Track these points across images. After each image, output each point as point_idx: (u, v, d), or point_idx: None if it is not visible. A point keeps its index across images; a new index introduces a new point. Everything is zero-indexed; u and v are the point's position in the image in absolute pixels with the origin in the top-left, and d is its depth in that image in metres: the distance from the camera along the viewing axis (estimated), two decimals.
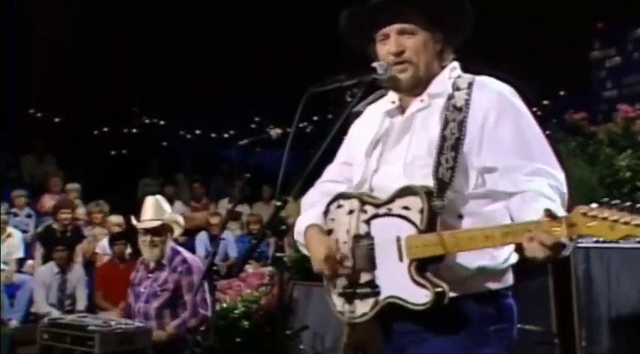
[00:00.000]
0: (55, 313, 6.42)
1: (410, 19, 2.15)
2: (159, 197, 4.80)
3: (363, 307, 2.12)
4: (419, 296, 1.98)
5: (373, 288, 2.09)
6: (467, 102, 2.08)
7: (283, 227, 2.10)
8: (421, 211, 1.99)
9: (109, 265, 7.16)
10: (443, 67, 2.20)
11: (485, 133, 2.05)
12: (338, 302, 2.19)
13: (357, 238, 2.12)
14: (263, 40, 11.76)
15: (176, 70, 12.40)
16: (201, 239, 9.00)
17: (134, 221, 4.75)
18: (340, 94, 2.26)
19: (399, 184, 2.09)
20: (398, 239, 2.03)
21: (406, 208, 2.02)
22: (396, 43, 2.16)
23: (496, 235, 1.87)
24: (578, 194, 4.31)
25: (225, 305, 4.88)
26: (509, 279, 2.15)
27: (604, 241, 3.70)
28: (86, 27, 12.30)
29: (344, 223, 2.16)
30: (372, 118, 2.31)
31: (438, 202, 1.99)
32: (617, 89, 9.20)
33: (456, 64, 2.22)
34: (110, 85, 12.27)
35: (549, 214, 1.75)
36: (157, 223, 4.58)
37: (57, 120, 12.06)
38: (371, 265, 2.09)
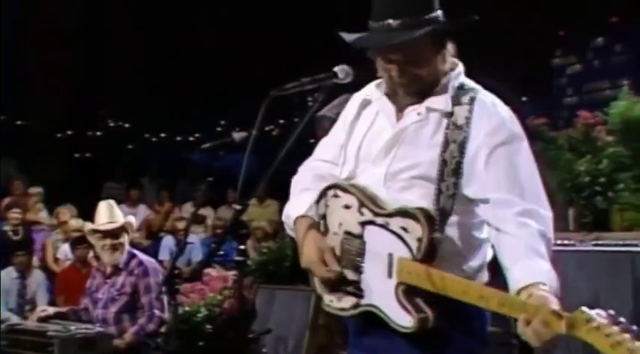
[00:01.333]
0: (14, 319, 6.31)
1: (417, 50, 2.05)
2: (111, 201, 4.76)
3: (343, 303, 2.12)
4: (402, 319, 1.97)
5: (357, 289, 2.08)
6: (468, 120, 2.01)
7: (244, 231, 2.10)
8: (419, 240, 1.95)
9: (70, 269, 7.07)
10: (446, 70, 2.11)
11: (479, 162, 1.99)
12: (319, 288, 2.18)
13: (349, 235, 2.10)
14: (229, 43, 11.74)
15: (142, 72, 12.32)
16: (167, 244, 8.93)
17: (90, 225, 4.70)
18: (304, 98, 2.27)
19: (378, 192, 2.08)
20: (390, 256, 2.00)
21: (404, 229, 1.98)
22: (400, 73, 2.06)
23: (491, 302, 1.84)
24: None
25: (187, 309, 4.85)
26: (483, 278, 2.14)
27: (562, 244, 3.78)
28: (51, 27, 12.15)
29: (337, 215, 2.13)
30: (366, 110, 2.23)
31: (439, 234, 1.96)
32: (578, 96, 9.36)
33: (459, 70, 2.13)
34: (74, 88, 12.13)
35: (555, 313, 1.73)
36: (115, 225, 4.54)
37: (19, 123, 11.87)
38: (357, 268, 2.08)
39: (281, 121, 10.36)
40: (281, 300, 4.83)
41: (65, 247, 7.77)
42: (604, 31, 9.36)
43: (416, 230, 1.96)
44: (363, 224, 2.08)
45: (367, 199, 2.09)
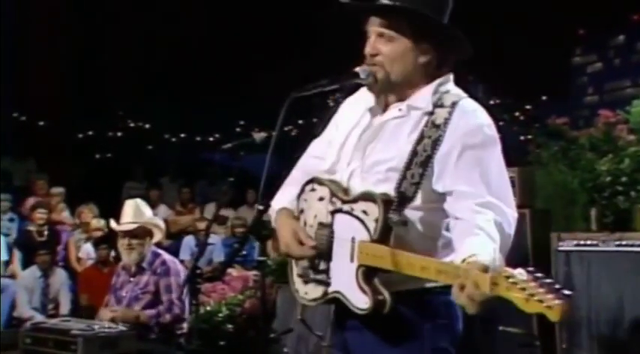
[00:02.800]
0: (39, 317, 6.37)
1: (392, 25, 2.12)
2: (138, 201, 4.77)
3: (315, 293, 2.17)
4: (359, 301, 2.03)
5: (326, 277, 2.13)
6: (446, 121, 2.06)
7: (266, 231, 2.11)
8: (376, 221, 2.02)
9: (92, 269, 7.12)
10: (434, 78, 2.16)
11: (451, 159, 2.05)
12: (296, 281, 2.24)
13: (321, 225, 2.15)
14: (249, 43, 11.77)
15: (161, 73, 12.37)
16: (188, 244, 8.97)
17: (113, 224, 4.73)
18: (325, 98, 2.27)
19: (354, 184, 2.14)
20: (353, 240, 2.06)
21: (365, 212, 2.05)
22: (371, 45, 2.15)
23: (431, 270, 1.89)
24: (559, 198, 4.36)
25: (209, 308, 4.86)
26: None
27: (584, 245, 3.74)
28: (73, 31, 12.25)
29: (313, 208, 2.19)
30: (355, 108, 2.29)
31: (394, 215, 2.00)
32: (598, 95, 9.30)
33: (447, 77, 2.18)
34: (95, 89, 12.22)
35: (482, 267, 1.74)
36: (134, 225, 4.56)
37: (41, 123, 11.97)
38: (328, 256, 2.13)
39: (300, 122, 10.36)
40: None
41: (87, 247, 7.83)
42: (624, 29, 9.27)
43: (374, 212, 2.03)
44: (333, 213, 2.14)
45: (339, 190, 2.16)
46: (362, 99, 2.27)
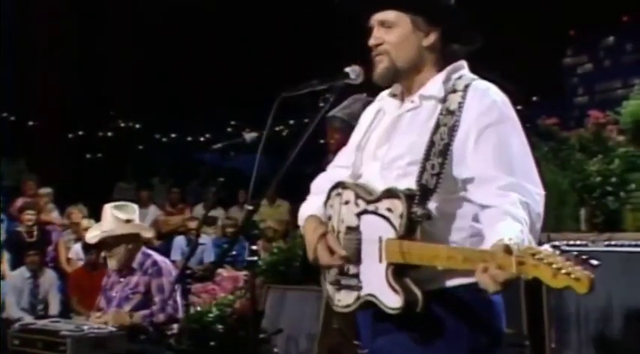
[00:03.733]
0: (28, 318, 6.34)
1: (390, 11, 2.12)
2: (114, 205, 4.68)
3: (348, 299, 2.13)
4: (391, 300, 1.98)
5: (358, 281, 2.09)
6: (460, 105, 2.03)
7: (256, 231, 2.11)
8: (401, 216, 1.98)
9: (80, 271, 7.09)
10: (442, 67, 2.14)
11: (469, 142, 2.01)
12: (330, 289, 2.20)
13: (349, 229, 2.12)
14: (240, 42, 11.76)
15: (152, 73, 12.36)
16: (178, 244, 8.96)
17: (86, 234, 4.70)
18: (316, 98, 2.27)
19: (376, 183, 2.10)
20: (380, 240, 2.02)
21: (389, 209, 2.01)
22: (374, 36, 2.14)
23: (458, 258, 1.85)
24: (550, 198, 4.38)
25: (199, 309, 4.86)
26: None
27: (574, 245, 3.76)
28: (62, 29, 12.21)
29: (340, 213, 2.16)
30: (372, 110, 2.30)
31: (419, 209, 1.96)
32: (589, 95, 9.35)
33: (460, 64, 2.16)
34: (85, 88, 12.19)
35: (505, 248, 1.71)
36: (96, 238, 4.54)
37: (30, 123, 11.93)
38: (357, 259, 2.09)
39: (291, 122, 10.36)
40: (292, 300, 4.83)
41: (77, 247, 7.80)
42: (615, 30, 9.32)
43: (398, 208, 1.99)
44: (359, 215, 2.11)
45: (362, 191, 2.13)
46: (379, 100, 2.28)
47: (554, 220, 4.27)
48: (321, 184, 2.33)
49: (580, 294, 1.62)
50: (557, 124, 4.73)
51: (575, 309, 3.69)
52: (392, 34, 2.12)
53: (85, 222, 7.95)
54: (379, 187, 2.10)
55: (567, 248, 1.66)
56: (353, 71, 2.17)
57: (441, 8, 2.13)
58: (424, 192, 1.99)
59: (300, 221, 2.30)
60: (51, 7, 12.00)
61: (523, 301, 3.83)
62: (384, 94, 2.28)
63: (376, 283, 2.03)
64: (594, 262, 1.63)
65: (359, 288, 2.09)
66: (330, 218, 2.20)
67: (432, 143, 2.02)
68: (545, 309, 3.77)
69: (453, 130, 2.01)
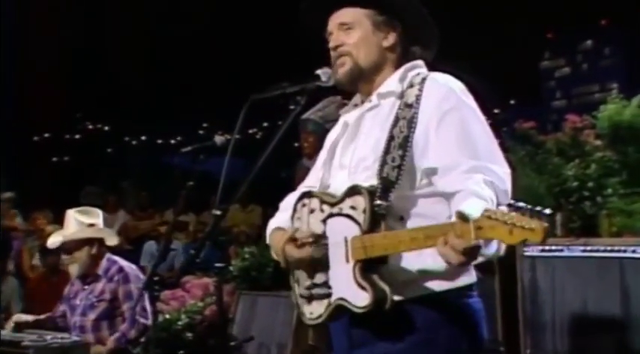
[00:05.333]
0: None
1: (348, 13, 2.16)
2: (77, 210, 4.65)
3: (319, 309, 2.12)
4: (360, 298, 1.97)
5: (327, 288, 2.09)
6: (417, 98, 2.06)
7: (224, 237, 2.10)
8: (364, 211, 1.98)
9: (40, 277, 7.00)
10: (401, 66, 2.18)
11: (431, 132, 2.03)
12: (300, 303, 2.19)
13: (316, 237, 2.12)
14: (212, 43, 11.73)
15: (121, 73, 12.28)
16: (148, 249, 8.90)
17: (52, 237, 4.65)
18: (289, 100, 2.28)
19: (345, 188, 2.09)
20: (345, 240, 2.02)
21: (353, 207, 2.01)
22: (334, 38, 2.18)
23: (420, 238, 1.85)
24: (526, 202, 4.42)
25: (167, 316, 4.83)
26: (465, 278, 2.10)
27: (550, 250, 3.80)
28: (29, 28, 12.09)
29: (305, 223, 2.16)
30: (340, 124, 2.33)
31: (381, 202, 1.97)
32: (566, 99, 9.46)
33: (416, 63, 2.20)
34: (52, 89, 12.07)
35: (460, 215, 1.71)
36: (57, 243, 4.51)
37: None
38: (326, 266, 2.09)
39: (265, 124, 10.36)
40: (263, 306, 4.82)
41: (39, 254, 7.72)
42: (593, 33, 9.45)
43: (360, 204, 2.00)
44: (324, 221, 2.11)
45: (327, 196, 2.14)
46: (342, 115, 2.31)
47: None
48: (289, 201, 2.34)
49: (536, 242, 1.63)
50: (534, 128, 4.77)
51: (551, 315, 3.73)
52: (352, 35, 2.16)
53: (50, 228, 7.85)
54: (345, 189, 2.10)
55: (523, 206, 1.66)
56: (324, 73, 2.19)
57: (398, 3, 2.16)
58: (386, 185, 2.00)
59: (268, 237, 2.32)
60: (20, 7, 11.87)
61: (498, 307, 3.87)
62: (347, 108, 2.31)
63: (345, 285, 2.02)
64: (547, 211, 1.64)
65: (329, 295, 2.08)
66: (297, 231, 2.19)
67: (391, 137, 2.04)
68: (520, 315, 3.81)
69: (411, 122, 2.03)
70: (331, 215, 2.09)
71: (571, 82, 9.60)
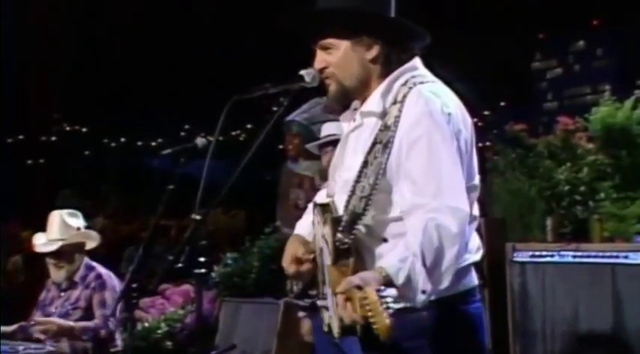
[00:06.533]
0: None
1: (326, 32, 2.14)
2: (64, 212, 4.61)
3: (326, 319, 2.16)
4: (335, 324, 1.99)
5: (326, 301, 2.13)
6: (396, 119, 2.00)
7: (204, 242, 2.10)
8: (330, 244, 2.00)
9: (23, 284, 6.97)
10: (388, 74, 2.13)
11: (401, 158, 2.00)
12: (322, 312, 2.22)
13: (320, 250, 2.15)
14: (195, 43, 11.72)
15: (101, 73, 12.23)
16: (129, 255, 8.87)
17: (35, 241, 4.59)
18: (273, 101, 2.28)
19: (338, 204, 2.10)
20: (328, 267, 2.04)
21: (325, 235, 2.05)
22: (317, 60, 2.17)
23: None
24: (516, 207, 4.45)
25: (146, 325, 4.82)
26: (463, 283, 2.08)
27: (540, 255, 3.83)
28: (5, 28, 12.02)
29: (315, 232, 2.20)
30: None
31: (344, 237, 1.96)
32: (558, 101, 9.52)
33: (405, 67, 2.13)
34: (26, 89, 12.01)
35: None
36: (58, 244, 4.45)
37: None
38: (326, 280, 2.12)
39: (248, 126, 10.36)
40: (246, 314, 4.82)
41: (16, 259, 7.68)
42: (585, 34, 9.51)
43: (328, 235, 2.02)
44: (322, 238, 2.14)
45: (324, 210, 2.15)
46: (343, 118, 2.32)
47: (521, 230, 4.34)
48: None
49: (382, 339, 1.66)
50: (525, 130, 4.79)
51: (541, 322, 3.76)
52: (333, 55, 2.14)
53: (25, 233, 7.83)
54: (340, 208, 2.11)
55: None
56: (308, 74, 2.18)
57: (379, 25, 2.14)
58: (352, 216, 2.00)
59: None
60: None
61: (487, 314, 3.88)
62: (346, 113, 2.31)
63: (330, 307, 2.06)
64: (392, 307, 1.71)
65: (327, 309, 2.13)
66: (314, 237, 2.24)
67: (365, 163, 2.02)
68: (509, 322, 3.83)
69: (386, 146, 2.00)
70: (322, 235, 2.12)
71: (563, 84, 9.66)
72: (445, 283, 1.89)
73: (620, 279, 3.55)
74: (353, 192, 2.01)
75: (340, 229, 1.98)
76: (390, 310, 1.67)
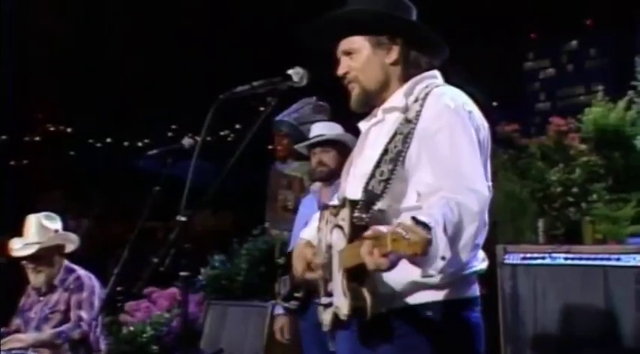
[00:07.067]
0: None
1: (349, 37, 2.23)
2: (41, 215, 4.59)
3: (327, 317, 2.19)
4: (344, 306, 2.03)
5: (331, 297, 2.15)
6: (418, 114, 2.11)
7: (188, 245, 2.09)
8: (348, 223, 2.04)
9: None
10: (409, 78, 2.24)
11: (422, 149, 2.08)
12: (320, 311, 2.26)
13: (327, 247, 2.19)
14: (181, 42, 11.71)
15: (87, 72, 12.20)
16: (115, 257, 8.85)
17: (12, 245, 4.57)
18: (262, 101, 2.29)
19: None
20: (341, 250, 2.09)
21: (343, 219, 2.08)
22: (342, 66, 2.26)
23: (387, 240, 1.83)
24: (508, 209, 4.46)
25: (132, 329, 4.81)
26: (463, 292, 2.14)
27: (531, 258, 3.84)
28: None
29: (324, 234, 2.23)
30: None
31: (362, 214, 2.02)
32: (551, 101, 9.56)
33: (427, 74, 2.25)
34: (9, 88, 11.95)
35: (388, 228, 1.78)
36: (35, 248, 4.43)
37: None
38: (331, 276, 2.15)
39: (237, 126, 10.36)
40: (234, 317, 4.82)
41: None
42: (578, 33, 9.55)
43: (345, 216, 2.06)
44: (332, 231, 2.18)
45: (334, 208, 2.20)
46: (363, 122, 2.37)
47: (513, 231, 4.35)
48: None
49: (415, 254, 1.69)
50: (517, 131, 4.81)
51: (532, 325, 3.77)
52: (355, 60, 2.24)
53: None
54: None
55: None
56: (296, 73, 2.20)
57: (398, 26, 2.22)
58: (370, 197, 2.05)
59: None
60: None
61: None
62: (367, 118, 2.38)
63: (337, 293, 2.09)
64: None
65: (331, 303, 2.15)
66: (320, 241, 2.27)
67: (385, 151, 2.10)
68: (500, 325, 3.84)
69: (407, 137, 2.08)
70: (335, 226, 2.16)
71: (556, 84, 9.71)
72: (463, 258, 1.94)
73: (612, 282, 3.56)
74: (372, 175, 2.08)
75: (358, 207, 2.03)
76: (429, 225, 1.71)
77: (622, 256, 3.56)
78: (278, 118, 4.56)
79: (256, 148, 2.30)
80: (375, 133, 2.25)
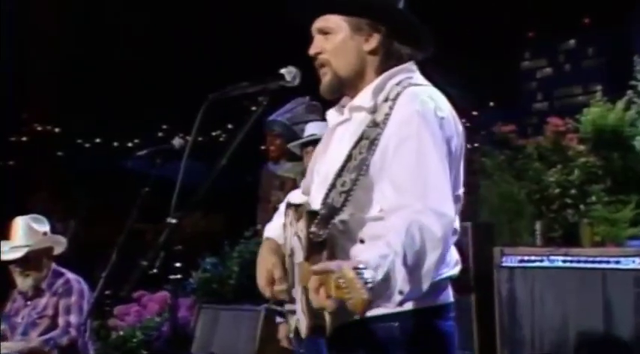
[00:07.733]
0: None
1: (327, 16, 2.10)
2: (28, 218, 4.57)
3: (292, 323, 2.13)
4: (304, 325, 1.96)
5: (295, 305, 2.08)
6: (386, 117, 1.99)
7: (179, 247, 2.07)
8: (303, 238, 1.97)
9: None
10: (387, 70, 2.09)
11: (387, 157, 1.97)
12: (287, 318, 2.20)
13: (291, 251, 2.10)
14: (172, 42, 11.70)
15: (73, 71, 12.17)
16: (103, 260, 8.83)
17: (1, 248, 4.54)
18: (255, 101, 2.27)
19: (315, 201, 2.06)
20: (300, 263, 2.01)
21: (301, 230, 2.00)
22: (313, 45, 2.13)
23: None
24: (505, 210, 4.47)
25: (121, 333, 4.79)
26: (437, 299, 2.05)
27: (528, 260, 3.85)
28: None
29: (289, 234, 2.14)
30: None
31: (319, 230, 1.93)
32: (548, 101, 9.58)
33: (401, 68, 2.10)
34: None
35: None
36: (23, 251, 4.41)
37: None
38: (294, 283, 2.08)
39: (229, 126, 10.35)
40: (225, 321, 4.80)
41: None
42: (576, 33, 9.57)
43: (302, 229, 1.98)
44: (294, 236, 2.10)
45: (299, 209, 2.11)
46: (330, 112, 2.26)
47: (510, 234, 4.36)
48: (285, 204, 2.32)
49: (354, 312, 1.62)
50: (513, 132, 4.82)
51: (530, 328, 3.77)
52: (330, 41, 2.11)
53: None
54: (315, 205, 2.07)
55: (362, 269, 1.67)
56: (288, 73, 2.16)
57: (382, 11, 2.10)
58: (329, 210, 1.97)
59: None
60: None
61: (474, 321, 3.89)
62: (333, 109, 2.26)
63: (298, 308, 2.02)
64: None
65: (295, 311, 2.08)
66: (285, 240, 2.18)
67: (349, 157, 1.99)
68: (497, 328, 3.84)
69: (373, 143, 1.97)
70: (295, 233, 2.07)
71: (553, 84, 9.75)
72: (423, 287, 1.85)
73: (610, 285, 3.57)
74: (333, 186, 1.98)
75: (316, 221, 1.94)
76: (369, 285, 1.61)
77: (621, 259, 3.57)
78: (271, 118, 4.55)
79: (248, 149, 2.28)
80: (341, 133, 2.14)
